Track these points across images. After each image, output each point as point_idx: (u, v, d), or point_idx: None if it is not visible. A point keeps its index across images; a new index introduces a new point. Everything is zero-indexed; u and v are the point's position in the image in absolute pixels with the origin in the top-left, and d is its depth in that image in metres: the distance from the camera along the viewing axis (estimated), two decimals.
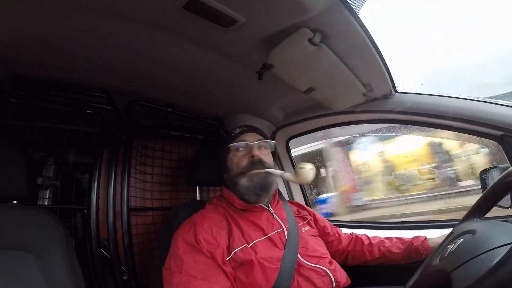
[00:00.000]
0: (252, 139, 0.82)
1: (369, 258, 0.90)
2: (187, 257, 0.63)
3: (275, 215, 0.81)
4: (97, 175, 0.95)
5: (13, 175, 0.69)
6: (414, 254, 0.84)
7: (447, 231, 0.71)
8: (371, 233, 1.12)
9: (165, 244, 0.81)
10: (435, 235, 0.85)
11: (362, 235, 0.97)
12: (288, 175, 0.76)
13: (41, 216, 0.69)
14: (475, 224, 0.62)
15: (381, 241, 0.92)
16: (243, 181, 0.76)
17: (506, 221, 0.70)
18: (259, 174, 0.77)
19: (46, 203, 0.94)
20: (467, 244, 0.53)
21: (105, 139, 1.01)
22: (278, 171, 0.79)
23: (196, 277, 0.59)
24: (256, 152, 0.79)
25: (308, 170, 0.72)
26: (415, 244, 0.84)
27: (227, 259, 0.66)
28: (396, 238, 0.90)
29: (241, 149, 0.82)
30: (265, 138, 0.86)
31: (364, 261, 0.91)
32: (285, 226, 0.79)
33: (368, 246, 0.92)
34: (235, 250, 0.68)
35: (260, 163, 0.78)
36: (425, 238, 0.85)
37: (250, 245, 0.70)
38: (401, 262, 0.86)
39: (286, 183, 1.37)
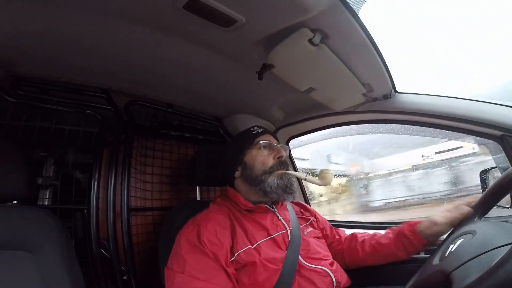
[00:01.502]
0: (274, 141, 0.85)
1: (361, 255, 0.87)
2: (190, 257, 0.63)
3: (279, 216, 0.81)
4: (97, 175, 0.95)
5: (13, 175, 0.69)
6: (406, 242, 0.78)
7: None
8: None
9: (165, 244, 0.82)
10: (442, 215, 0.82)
11: (362, 233, 0.94)
12: (311, 178, 0.79)
13: (41, 216, 0.68)
14: (475, 225, 0.62)
15: (373, 235, 0.90)
16: (272, 179, 0.77)
17: (506, 221, 0.70)
18: (286, 175, 0.79)
19: (46, 203, 0.94)
20: (467, 244, 0.53)
21: (105, 139, 1.01)
22: (302, 174, 0.82)
23: (198, 278, 0.59)
24: (284, 153, 0.83)
25: (331, 174, 0.76)
26: (402, 230, 0.80)
27: (231, 260, 0.66)
28: (390, 229, 0.86)
29: (266, 148, 0.83)
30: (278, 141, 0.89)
31: (359, 259, 0.88)
32: (288, 227, 0.79)
33: (361, 243, 0.89)
34: (238, 252, 0.67)
35: (286, 164, 0.82)
36: (415, 223, 0.79)
37: (254, 246, 0.70)
38: (397, 254, 0.80)
39: None
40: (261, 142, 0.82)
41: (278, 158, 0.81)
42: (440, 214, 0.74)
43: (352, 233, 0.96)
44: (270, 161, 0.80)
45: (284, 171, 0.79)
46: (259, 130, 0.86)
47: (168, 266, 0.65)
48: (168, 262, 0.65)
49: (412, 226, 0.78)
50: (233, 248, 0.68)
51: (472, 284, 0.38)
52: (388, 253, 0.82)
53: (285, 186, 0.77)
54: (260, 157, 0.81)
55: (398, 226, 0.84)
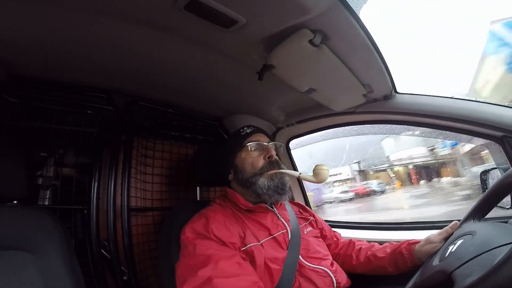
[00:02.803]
0: (264, 140, 0.83)
1: (354, 263, 0.86)
2: (199, 242, 0.62)
3: (279, 216, 0.81)
4: (97, 176, 0.95)
5: (13, 175, 0.69)
6: (400, 259, 0.77)
7: None
8: (371, 234, 1.12)
9: (165, 244, 0.81)
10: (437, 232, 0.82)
11: (360, 241, 0.94)
12: (305, 175, 0.77)
13: (41, 216, 0.68)
14: (474, 226, 0.62)
15: (371, 246, 0.89)
16: (263, 181, 0.76)
17: (506, 222, 0.70)
18: (278, 174, 0.77)
19: (46, 203, 0.94)
20: (468, 245, 0.53)
21: (105, 139, 1.01)
22: (295, 172, 0.80)
23: (211, 256, 0.57)
24: (273, 153, 0.80)
25: (326, 170, 0.74)
26: (400, 247, 0.79)
27: (242, 249, 0.66)
28: (389, 243, 0.86)
29: (255, 149, 0.81)
30: (271, 139, 0.86)
31: (351, 266, 0.87)
32: (289, 227, 0.79)
33: (357, 251, 0.88)
34: (250, 245, 0.67)
35: (277, 164, 0.80)
36: (414, 243, 0.78)
37: (260, 243, 0.70)
38: (389, 269, 0.79)
39: None
40: (249, 144, 0.81)
41: (269, 158, 0.79)
42: (435, 233, 0.74)
43: (351, 240, 0.95)
44: (260, 162, 0.79)
45: (275, 171, 0.77)
46: (248, 131, 0.84)
47: (179, 261, 0.63)
48: (179, 260, 0.63)
49: (410, 245, 0.78)
50: (245, 240, 0.68)
51: (475, 282, 0.38)
52: (380, 266, 0.82)
53: (276, 187, 0.76)
54: (250, 159, 0.80)
55: (398, 242, 0.83)
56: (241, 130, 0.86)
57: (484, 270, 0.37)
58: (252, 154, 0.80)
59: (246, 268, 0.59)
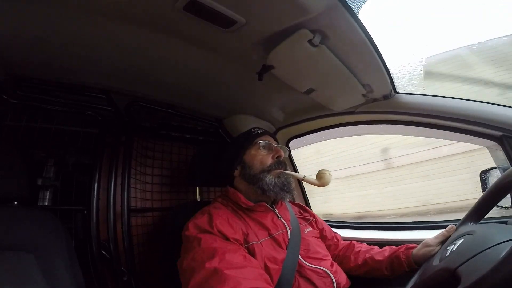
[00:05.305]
0: (273, 142, 0.86)
1: (352, 265, 0.86)
2: (203, 236, 0.63)
3: (279, 216, 0.81)
4: (97, 176, 0.95)
5: (13, 176, 0.69)
6: (396, 262, 0.77)
7: None
8: (371, 234, 1.11)
9: (165, 245, 0.82)
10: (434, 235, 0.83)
11: (360, 243, 0.94)
12: (309, 178, 0.78)
13: (41, 217, 0.69)
14: (472, 227, 0.62)
15: (370, 249, 0.89)
16: (270, 178, 0.78)
17: (505, 222, 0.70)
18: (284, 174, 0.80)
19: (46, 203, 0.94)
20: (469, 243, 0.54)
21: (105, 140, 1.01)
22: (300, 174, 0.82)
23: (217, 249, 0.58)
24: (282, 153, 0.84)
25: (329, 174, 0.75)
26: (398, 251, 0.79)
27: (245, 245, 0.67)
28: (389, 247, 0.85)
29: (265, 147, 0.84)
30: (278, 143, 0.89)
31: (348, 268, 0.87)
32: (288, 227, 0.79)
33: (356, 253, 0.88)
34: (252, 242, 0.68)
35: (284, 165, 0.83)
36: (412, 247, 0.77)
37: (259, 242, 0.70)
38: (385, 272, 0.79)
39: None
40: (260, 142, 0.84)
41: (277, 157, 0.82)
42: (431, 237, 0.74)
43: (351, 241, 0.95)
44: (269, 160, 0.81)
45: (281, 171, 0.80)
46: (259, 131, 0.88)
47: (181, 259, 0.63)
48: (181, 258, 0.64)
49: (408, 249, 0.78)
50: (248, 237, 0.69)
51: (485, 275, 0.37)
52: (376, 269, 0.82)
53: (283, 185, 0.78)
54: (259, 156, 0.82)
55: (398, 244, 0.83)
56: (253, 130, 0.89)
57: (491, 265, 0.37)
58: (262, 152, 0.83)
59: (251, 261, 0.61)
